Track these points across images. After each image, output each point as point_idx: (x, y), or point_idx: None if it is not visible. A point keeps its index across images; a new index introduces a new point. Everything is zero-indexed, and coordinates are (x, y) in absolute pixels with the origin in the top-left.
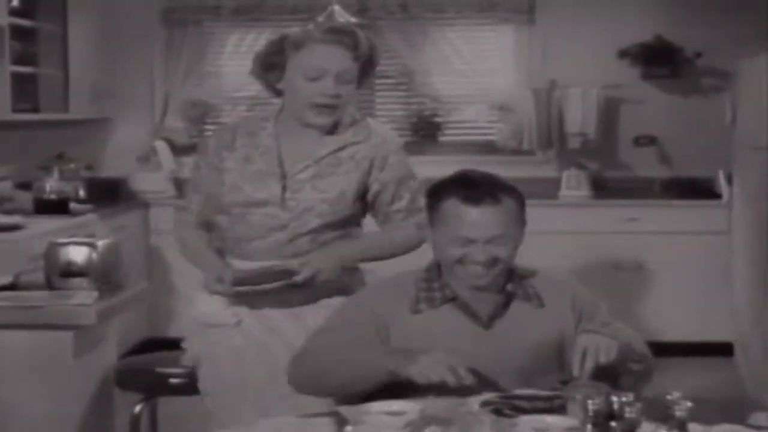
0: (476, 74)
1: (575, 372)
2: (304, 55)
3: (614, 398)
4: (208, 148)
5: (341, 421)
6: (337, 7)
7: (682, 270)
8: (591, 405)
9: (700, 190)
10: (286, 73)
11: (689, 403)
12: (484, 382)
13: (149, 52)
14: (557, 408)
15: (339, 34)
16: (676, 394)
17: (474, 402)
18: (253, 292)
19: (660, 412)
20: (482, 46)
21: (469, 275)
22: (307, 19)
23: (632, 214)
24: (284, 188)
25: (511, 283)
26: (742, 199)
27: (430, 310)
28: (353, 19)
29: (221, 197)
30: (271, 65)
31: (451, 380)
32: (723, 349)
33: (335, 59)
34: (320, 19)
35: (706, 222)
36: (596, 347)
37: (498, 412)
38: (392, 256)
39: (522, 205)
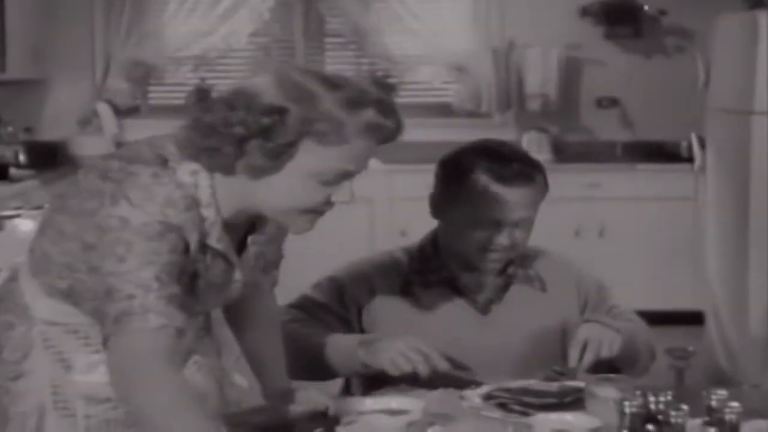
0: (431, 33)
1: (571, 364)
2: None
3: (651, 398)
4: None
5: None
6: None
7: (646, 237)
8: (628, 406)
9: (665, 154)
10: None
11: (737, 404)
12: (480, 372)
13: (89, 10)
14: (568, 404)
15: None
16: (720, 393)
17: (474, 395)
18: None
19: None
20: (437, 3)
21: (489, 261)
22: None
23: (594, 179)
24: None
25: (511, 266)
26: (714, 163)
27: (423, 293)
28: None
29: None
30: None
31: (423, 369)
32: (692, 318)
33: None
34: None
35: (671, 187)
36: (599, 340)
37: (504, 407)
38: None
39: (546, 183)
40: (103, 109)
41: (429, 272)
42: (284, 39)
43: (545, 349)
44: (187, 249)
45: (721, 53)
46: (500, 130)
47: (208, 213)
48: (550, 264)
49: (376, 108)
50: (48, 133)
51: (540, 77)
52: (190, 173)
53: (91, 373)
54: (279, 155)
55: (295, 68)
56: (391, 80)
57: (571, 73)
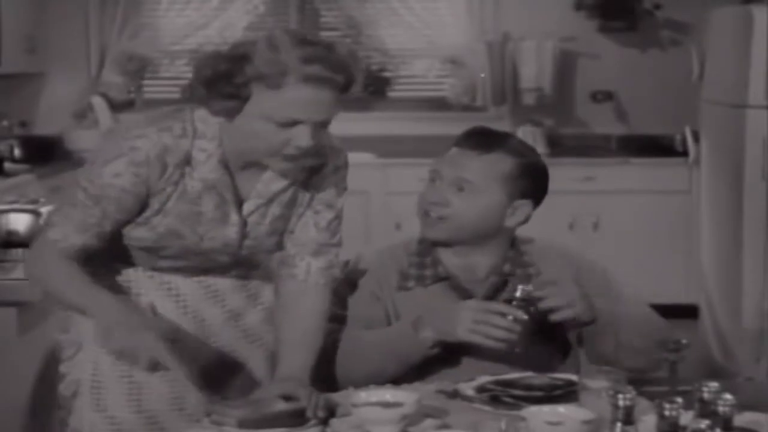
0: (426, 26)
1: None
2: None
3: None
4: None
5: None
6: None
7: (641, 230)
8: (622, 399)
9: (659, 147)
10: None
11: (731, 397)
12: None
13: (84, 3)
14: (560, 397)
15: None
16: (713, 385)
17: (467, 387)
18: None
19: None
20: None
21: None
22: None
23: (589, 173)
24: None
25: (508, 263)
26: (708, 157)
27: (419, 289)
28: None
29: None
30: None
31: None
32: (686, 311)
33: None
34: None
35: (665, 181)
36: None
37: (496, 399)
38: None
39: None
40: (98, 103)
41: (425, 268)
42: None
43: (544, 346)
44: (165, 169)
45: (716, 47)
46: (495, 124)
47: (209, 145)
48: (546, 257)
49: (324, 63)
50: (43, 128)
51: (534, 70)
52: (202, 113)
53: None
54: (235, 97)
55: (287, 29)
56: (386, 73)
57: (565, 66)
